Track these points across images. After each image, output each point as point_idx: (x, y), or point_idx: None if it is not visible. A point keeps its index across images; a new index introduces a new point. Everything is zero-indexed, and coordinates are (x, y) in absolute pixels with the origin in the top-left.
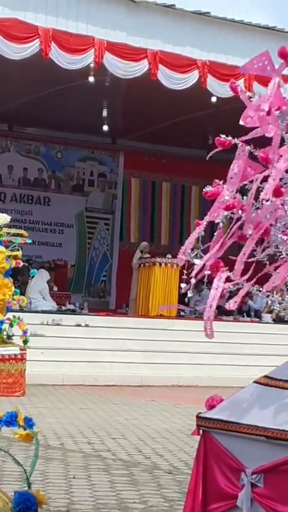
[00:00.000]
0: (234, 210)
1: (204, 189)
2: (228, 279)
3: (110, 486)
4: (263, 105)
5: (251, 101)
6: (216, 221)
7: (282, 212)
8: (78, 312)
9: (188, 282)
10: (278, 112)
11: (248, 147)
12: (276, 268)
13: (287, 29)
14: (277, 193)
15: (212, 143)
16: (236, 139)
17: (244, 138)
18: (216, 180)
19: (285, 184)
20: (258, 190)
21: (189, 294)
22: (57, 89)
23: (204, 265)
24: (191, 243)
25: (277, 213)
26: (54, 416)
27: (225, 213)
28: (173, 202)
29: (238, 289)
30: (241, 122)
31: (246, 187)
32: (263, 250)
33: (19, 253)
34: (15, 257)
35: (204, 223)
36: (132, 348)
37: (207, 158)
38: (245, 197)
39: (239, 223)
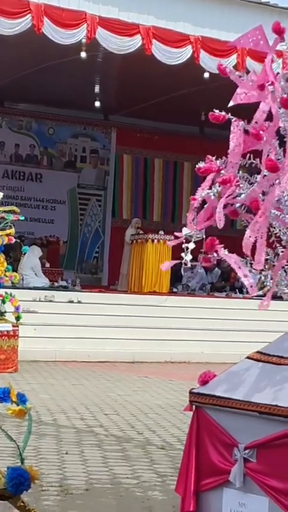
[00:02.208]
0: (230, 183)
1: (197, 165)
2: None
3: (102, 462)
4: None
5: (242, 80)
6: (203, 194)
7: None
8: (70, 288)
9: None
10: (271, 87)
11: (241, 122)
12: (270, 245)
13: (280, 4)
14: (273, 168)
15: (204, 119)
16: (229, 115)
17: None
18: (209, 156)
19: (279, 159)
20: (252, 166)
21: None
22: (49, 64)
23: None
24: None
25: (274, 190)
26: (46, 392)
27: (217, 187)
28: (166, 178)
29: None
30: (231, 103)
31: (241, 163)
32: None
33: (12, 230)
34: (8, 234)
35: (199, 198)
36: (124, 325)
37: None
38: (240, 172)
39: (230, 197)
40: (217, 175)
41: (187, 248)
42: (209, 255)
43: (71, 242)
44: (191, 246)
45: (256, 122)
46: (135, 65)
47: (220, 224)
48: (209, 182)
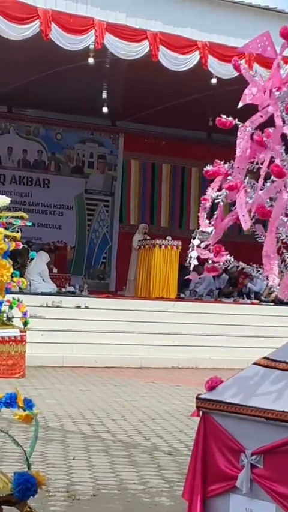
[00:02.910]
0: (237, 190)
1: (204, 169)
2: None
3: (109, 467)
4: (266, 84)
5: (254, 79)
6: (213, 196)
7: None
8: (78, 293)
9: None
10: (278, 93)
11: (249, 128)
12: (278, 250)
13: None
14: (280, 174)
15: (212, 125)
16: (236, 120)
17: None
18: (217, 160)
19: (284, 165)
20: (259, 172)
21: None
22: (57, 70)
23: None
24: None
25: (282, 198)
26: (53, 398)
27: (224, 192)
28: (173, 184)
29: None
30: (240, 104)
31: (249, 168)
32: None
33: (18, 234)
34: (14, 239)
35: (210, 199)
36: (132, 330)
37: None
38: (247, 178)
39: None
40: (224, 181)
41: (192, 246)
42: (215, 264)
43: (78, 248)
44: (196, 242)
45: (252, 122)
46: (142, 70)
47: (246, 226)
48: (218, 184)
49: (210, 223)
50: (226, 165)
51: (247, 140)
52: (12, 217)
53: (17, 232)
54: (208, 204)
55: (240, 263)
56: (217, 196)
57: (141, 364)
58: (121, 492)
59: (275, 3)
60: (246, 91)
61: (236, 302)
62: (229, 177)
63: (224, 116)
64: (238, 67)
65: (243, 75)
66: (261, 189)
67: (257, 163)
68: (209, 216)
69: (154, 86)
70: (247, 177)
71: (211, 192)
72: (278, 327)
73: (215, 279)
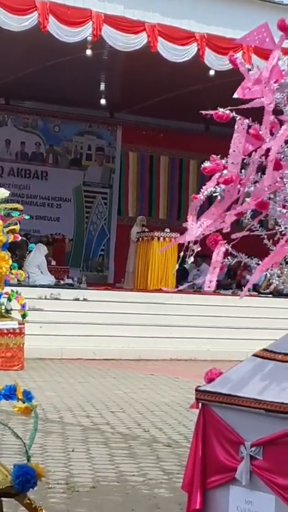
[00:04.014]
0: (232, 184)
1: (202, 165)
2: (227, 253)
3: (109, 459)
4: (264, 75)
5: (250, 74)
6: (205, 194)
7: (281, 185)
8: (76, 286)
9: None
10: (276, 84)
11: (246, 121)
12: (275, 243)
13: (286, 1)
14: (276, 166)
15: (210, 117)
16: (233, 113)
17: (242, 106)
18: (213, 156)
19: (283, 157)
20: (260, 166)
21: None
22: (55, 62)
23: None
24: (193, 217)
25: (275, 185)
26: (52, 390)
27: (222, 186)
28: (171, 176)
29: (238, 262)
30: (236, 95)
31: (245, 161)
32: (259, 222)
33: (17, 227)
34: (13, 231)
35: (201, 197)
36: (130, 322)
37: (205, 130)
38: (243, 171)
39: (236, 196)
40: (220, 176)
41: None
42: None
43: (76, 240)
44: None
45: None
46: (140, 62)
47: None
48: (214, 182)
49: (198, 218)
50: (224, 160)
51: (243, 134)
52: (9, 209)
53: (16, 224)
54: (198, 203)
55: (240, 254)
56: (212, 191)
57: (140, 356)
58: (120, 484)
59: None
60: (243, 84)
61: (235, 294)
62: (224, 171)
63: (221, 109)
64: (234, 61)
65: (240, 70)
66: (255, 182)
67: (244, 159)
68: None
69: (152, 77)
70: (243, 170)
71: (204, 191)
72: (276, 318)
73: None
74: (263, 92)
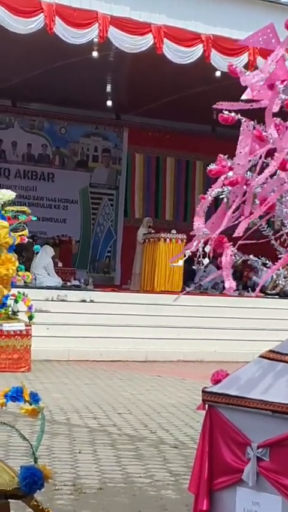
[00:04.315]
0: (238, 185)
1: (208, 167)
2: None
3: (115, 461)
4: (264, 72)
5: (251, 81)
6: (212, 194)
7: None
8: (83, 287)
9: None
10: (282, 86)
11: (251, 123)
12: (282, 244)
13: None
14: (283, 167)
15: (216, 118)
16: (239, 115)
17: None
18: (220, 155)
19: None
20: (263, 166)
21: (205, 262)
22: (61, 64)
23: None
24: (200, 218)
25: (283, 187)
26: (59, 392)
27: (228, 188)
28: (178, 177)
29: (243, 261)
30: (244, 96)
31: (251, 162)
32: (267, 222)
33: (25, 231)
34: (20, 234)
35: (209, 198)
36: (137, 324)
37: (212, 132)
38: (249, 172)
39: (242, 199)
40: (225, 177)
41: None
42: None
43: (83, 241)
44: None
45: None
46: (146, 63)
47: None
48: (220, 184)
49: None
50: (230, 162)
51: (248, 136)
52: (16, 211)
53: (24, 229)
54: (206, 204)
55: (246, 255)
56: (218, 192)
57: (146, 358)
58: (127, 485)
59: None
60: (250, 86)
61: (241, 295)
62: (229, 173)
63: (227, 112)
64: (234, 71)
65: (240, 79)
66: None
67: (260, 157)
68: (206, 214)
69: (158, 79)
70: (248, 172)
71: (211, 193)
72: (283, 320)
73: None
74: (262, 92)
